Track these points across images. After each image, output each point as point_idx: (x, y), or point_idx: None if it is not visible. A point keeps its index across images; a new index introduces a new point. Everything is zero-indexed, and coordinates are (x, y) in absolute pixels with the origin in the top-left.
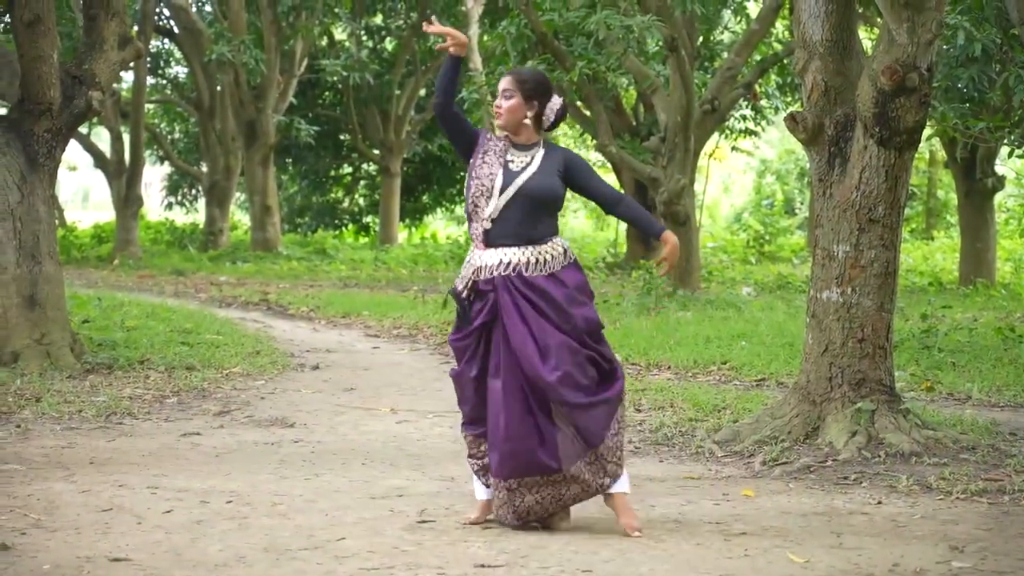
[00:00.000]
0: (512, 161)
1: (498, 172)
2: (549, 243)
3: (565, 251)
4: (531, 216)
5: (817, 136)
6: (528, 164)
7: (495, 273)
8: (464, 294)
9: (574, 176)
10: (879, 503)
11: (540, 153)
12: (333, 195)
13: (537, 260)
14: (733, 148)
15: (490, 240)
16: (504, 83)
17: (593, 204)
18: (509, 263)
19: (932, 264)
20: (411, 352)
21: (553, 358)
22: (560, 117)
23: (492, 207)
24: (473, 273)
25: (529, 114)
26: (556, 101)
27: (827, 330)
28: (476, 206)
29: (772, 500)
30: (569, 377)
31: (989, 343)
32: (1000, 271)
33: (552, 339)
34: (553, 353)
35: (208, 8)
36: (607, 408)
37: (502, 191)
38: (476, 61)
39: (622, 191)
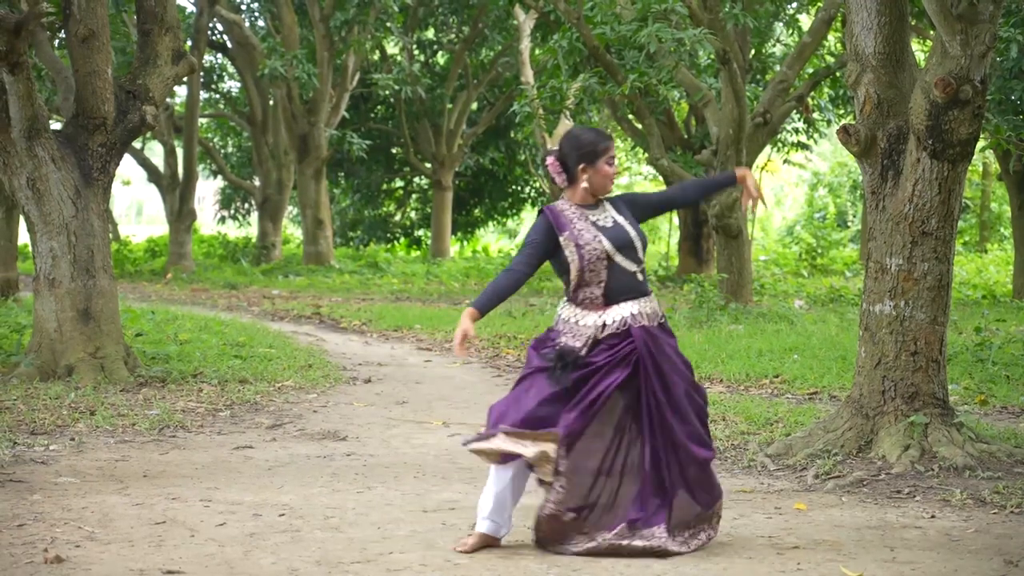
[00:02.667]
0: (597, 220)
1: (597, 233)
2: (651, 296)
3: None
4: (639, 266)
5: (870, 149)
6: (614, 218)
7: (626, 325)
8: (583, 351)
9: (640, 208)
10: (933, 517)
11: (608, 205)
12: (385, 209)
13: (653, 311)
14: (785, 161)
15: (610, 301)
16: (613, 148)
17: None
18: (639, 313)
19: (986, 277)
20: (463, 365)
21: (690, 412)
22: None
23: (638, 259)
24: (595, 331)
25: None
26: None
27: (880, 343)
28: (593, 271)
29: (825, 514)
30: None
31: None
32: None
33: (684, 390)
34: (689, 407)
35: (261, 23)
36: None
37: (624, 245)
38: (528, 75)
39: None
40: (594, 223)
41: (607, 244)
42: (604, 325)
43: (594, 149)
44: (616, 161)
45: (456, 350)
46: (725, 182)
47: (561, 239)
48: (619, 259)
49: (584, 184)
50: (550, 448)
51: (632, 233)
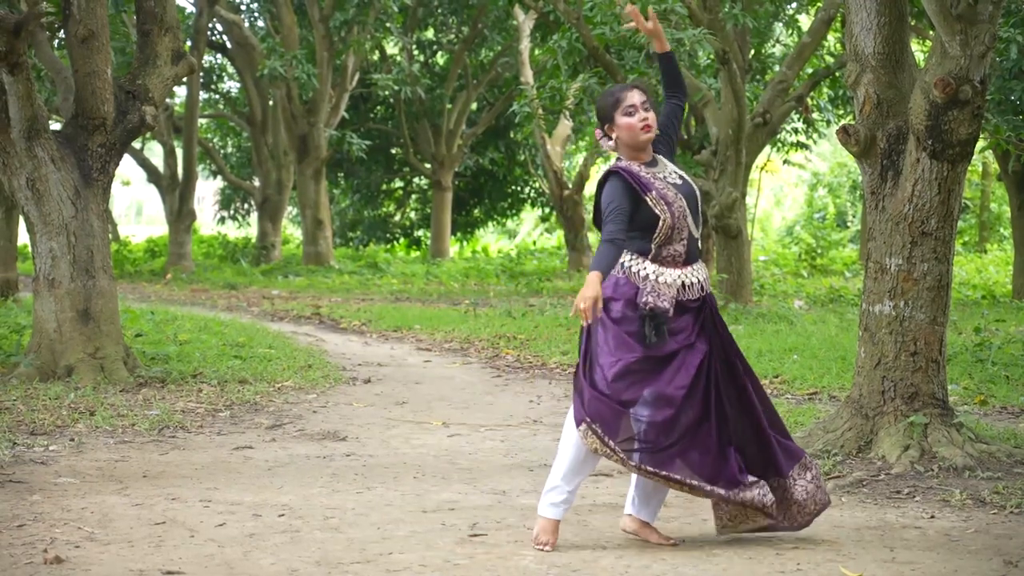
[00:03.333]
0: (667, 177)
1: (673, 192)
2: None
3: None
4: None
5: (869, 149)
6: (677, 173)
7: (704, 291)
8: (671, 312)
9: (669, 146)
10: (932, 517)
11: (664, 162)
12: (385, 209)
13: (707, 276)
14: (785, 161)
15: (690, 260)
16: (639, 96)
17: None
18: (706, 279)
19: (985, 277)
20: (462, 366)
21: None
22: None
23: (698, 222)
24: (679, 292)
25: None
26: None
27: (880, 343)
28: (676, 229)
29: (824, 514)
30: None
31: None
32: None
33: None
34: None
35: (261, 23)
36: None
37: (693, 203)
38: (527, 75)
39: None
40: (666, 179)
41: (684, 202)
42: (684, 285)
43: (606, 105)
44: (638, 108)
45: (588, 317)
46: (665, 63)
47: (648, 198)
48: (690, 219)
49: (611, 144)
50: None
51: (698, 192)
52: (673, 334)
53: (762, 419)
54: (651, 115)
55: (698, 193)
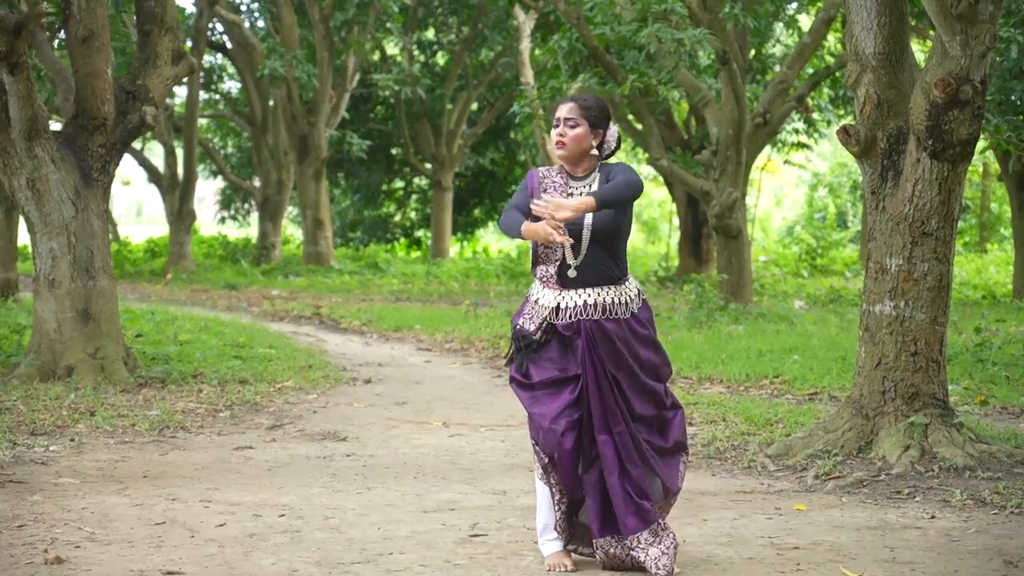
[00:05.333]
0: (573, 194)
1: None
2: (625, 283)
3: (639, 292)
4: (608, 253)
5: (870, 149)
6: (584, 193)
7: (579, 316)
8: (538, 336)
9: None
10: (933, 517)
11: (596, 179)
12: (385, 209)
13: (616, 302)
14: (785, 161)
15: (566, 283)
16: (566, 110)
17: (645, 218)
18: (593, 304)
19: (986, 277)
20: (463, 366)
21: (647, 400)
22: (617, 146)
23: (577, 255)
24: (549, 314)
25: (594, 143)
26: (613, 129)
27: (880, 343)
28: (547, 248)
29: (825, 514)
30: (654, 419)
31: None
32: None
33: (641, 380)
34: (646, 396)
35: (261, 23)
36: (680, 455)
37: (580, 231)
38: (527, 75)
39: (674, 204)
40: (568, 195)
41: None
42: (557, 310)
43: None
44: (571, 126)
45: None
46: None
47: (532, 204)
48: (566, 245)
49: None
50: None
51: (602, 217)
52: (545, 361)
53: (611, 471)
54: (575, 131)
55: (588, 221)
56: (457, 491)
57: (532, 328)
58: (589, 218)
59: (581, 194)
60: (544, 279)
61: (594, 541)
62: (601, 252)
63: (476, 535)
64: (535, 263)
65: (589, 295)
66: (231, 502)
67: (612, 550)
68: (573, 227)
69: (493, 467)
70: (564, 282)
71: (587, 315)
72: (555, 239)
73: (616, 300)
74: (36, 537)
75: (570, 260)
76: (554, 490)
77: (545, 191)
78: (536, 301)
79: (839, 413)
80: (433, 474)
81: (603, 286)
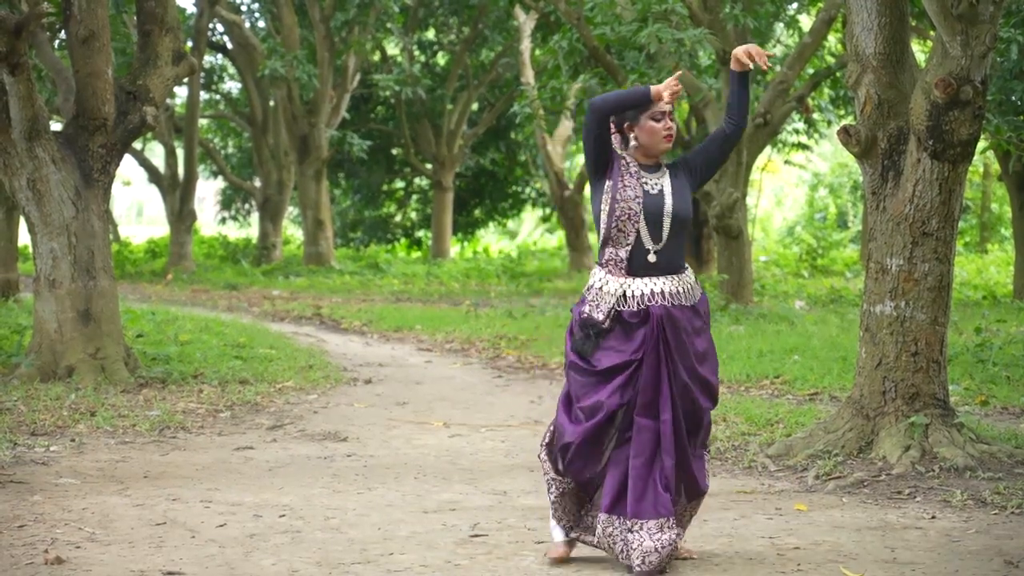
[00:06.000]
0: (647, 183)
1: (641, 196)
2: (686, 272)
3: (694, 276)
4: (680, 241)
5: (870, 149)
6: (663, 186)
7: (648, 303)
8: (606, 324)
9: (692, 165)
10: (933, 518)
11: (666, 172)
12: (385, 209)
13: (681, 290)
14: (786, 162)
15: (634, 270)
16: (668, 104)
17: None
18: (662, 292)
19: (986, 277)
20: (463, 366)
21: (702, 392)
22: None
23: (659, 241)
24: (616, 301)
25: None
26: None
27: (881, 344)
28: (620, 231)
29: (825, 515)
30: (702, 412)
31: None
32: None
33: (700, 372)
34: (701, 387)
35: (261, 24)
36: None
37: (662, 218)
38: (528, 75)
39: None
40: (643, 183)
41: (642, 209)
42: (625, 296)
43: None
44: (666, 116)
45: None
46: (737, 81)
47: (607, 181)
48: (642, 227)
49: (633, 143)
50: None
51: (680, 204)
52: (608, 348)
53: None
54: (674, 126)
55: (669, 208)
56: (458, 491)
57: (600, 316)
58: (669, 204)
59: (657, 183)
60: (611, 264)
61: (600, 515)
62: (676, 239)
63: (476, 535)
64: (604, 244)
65: (656, 283)
66: (232, 502)
67: (611, 529)
68: (653, 212)
69: (494, 467)
70: (632, 268)
71: (656, 302)
72: (675, 85)
73: (682, 288)
74: (36, 537)
75: (648, 244)
76: (556, 483)
77: (623, 175)
78: (600, 288)
79: (839, 413)
80: (434, 474)
81: (670, 274)
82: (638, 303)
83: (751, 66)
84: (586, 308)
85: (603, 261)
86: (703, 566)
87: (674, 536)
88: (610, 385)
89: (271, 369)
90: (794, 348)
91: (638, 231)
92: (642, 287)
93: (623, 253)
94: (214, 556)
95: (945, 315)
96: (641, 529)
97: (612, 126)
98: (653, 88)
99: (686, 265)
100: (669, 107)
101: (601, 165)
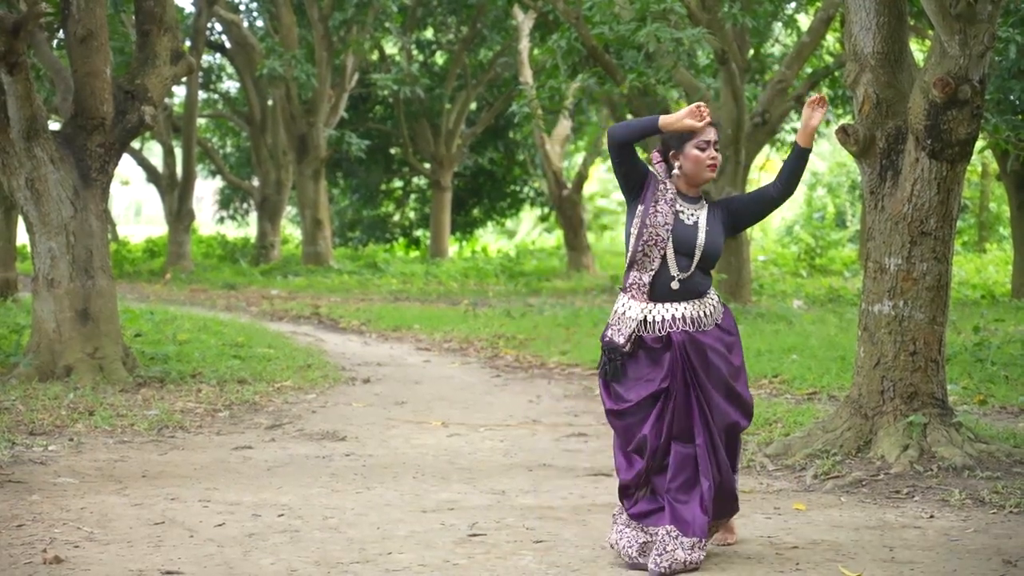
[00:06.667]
0: (682, 212)
1: (671, 223)
2: (709, 295)
3: (718, 297)
4: (707, 271)
5: (869, 149)
6: (698, 219)
7: (670, 329)
8: (627, 348)
9: (735, 211)
10: (931, 517)
11: (705, 207)
12: (384, 209)
13: (704, 314)
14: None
15: (656, 295)
16: (713, 134)
17: None
18: (683, 318)
19: (985, 277)
20: (462, 366)
21: (738, 408)
22: None
23: (687, 271)
24: (637, 326)
25: None
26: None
27: (879, 343)
28: (646, 256)
29: (824, 514)
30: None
31: None
32: None
33: (735, 390)
34: (736, 403)
35: (260, 23)
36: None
37: (693, 250)
38: (526, 75)
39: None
40: (677, 213)
41: (671, 237)
42: (646, 321)
43: (681, 133)
44: (712, 147)
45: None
46: (798, 154)
47: (641, 204)
48: (669, 255)
49: (676, 171)
50: None
51: (713, 240)
52: (637, 379)
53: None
54: (719, 156)
55: (701, 242)
56: (456, 491)
57: (621, 340)
58: (702, 238)
59: (693, 215)
60: (634, 288)
61: (622, 516)
62: (702, 271)
63: (475, 535)
64: (629, 268)
65: (678, 309)
66: (230, 502)
67: (630, 529)
68: (685, 242)
69: (492, 467)
70: (654, 294)
71: (676, 328)
72: (700, 119)
73: (703, 313)
74: (35, 537)
75: (675, 272)
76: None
77: (658, 200)
78: (624, 313)
79: (838, 413)
80: (432, 474)
81: (692, 300)
82: (659, 328)
83: (811, 144)
84: (609, 332)
85: (627, 285)
86: (702, 565)
87: (702, 559)
88: (648, 421)
89: (269, 369)
90: (792, 347)
91: (664, 257)
92: (663, 312)
93: (647, 278)
94: (212, 555)
95: (943, 314)
96: (677, 538)
97: (658, 154)
98: (661, 118)
99: (710, 289)
100: (714, 136)
101: (632, 189)
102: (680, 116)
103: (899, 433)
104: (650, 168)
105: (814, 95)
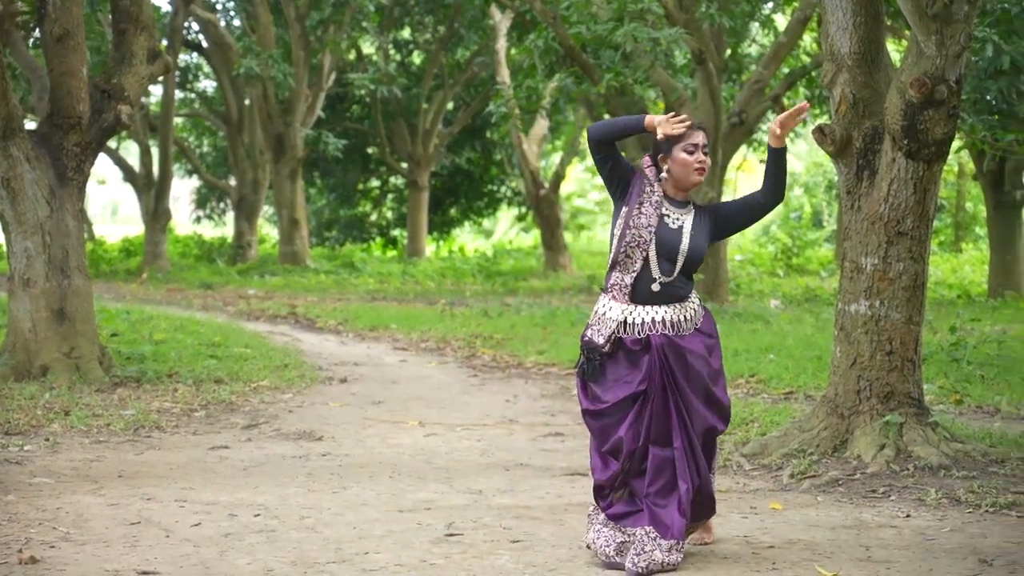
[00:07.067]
0: (668, 216)
1: (655, 226)
2: (690, 299)
3: (699, 301)
4: (689, 275)
5: (845, 149)
6: (683, 223)
7: (649, 332)
8: (606, 348)
9: (722, 218)
10: (908, 516)
11: (692, 212)
12: (361, 208)
13: (684, 318)
14: (761, 161)
15: (637, 297)
16: (702, 137)
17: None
18: (663, 321)
19: (961, 276)
20: (439, 365)
21: (715, 413)
22: None
23: (670, 275)
24: (617, 327)
25: None
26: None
27: (855, 343)
28: (628, 257)
29: (800, 514)
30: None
31: (1018, 356)
32: None
33: (715, 395)
34: (714, 408)
35: (237, 22)
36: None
37: (676, 255)
38: (504, 74)
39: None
40: (662, 215)
41: (654, 238)
42: (626, 323)
43: (668, 136)
44: (700, 150)
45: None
46: (772, 157)
47: (626, 205)
48: (652, 258)
49: (664, 174)
50: None
51: (696, 244)
52: (615, 380)
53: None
54: (708, 160)
55: (685, 248)
56: (433, 490)
57: (600, 341)
58: (686, 243)
59: (679, 219)
60: (615, 289)
61: (600, 516)
62: (685, 275)
63: (452, 535)
64: (611, 268)
65: (658, 312)
66: (206, 502)
67: (608, 528)
68: (668, 246)
69: (469, 467)
70: (635, 296)
71: (656, 331)
72: (677, 126)
73: (684, 317)
74: (11, 537)
75: (656, 274)
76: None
77: (643, 202)
78: (604, 314)
79: (814, 412)
80: (409, 473)
81: (673, 303)
82: (639, 331)
83: (785, 142)
84: (588, 332)
85: (608, 286)
86: (679, 565)
87: (679, 560)
88: (624, 423)
89: (246, 368)
90: (769, 347)
91: (646, 258)
92: (643, 315)
93: (628, 279)
94: (189, 555)
95: (920, 314)
96: (655, 539)
97: (648, 158)
98: (647, 117)
99: (692, 292)
100: (702, 140)
101: (616, 189)
102: (665, 118)
103: (875, 433)
104: (636, 168)
105: (800, 102)
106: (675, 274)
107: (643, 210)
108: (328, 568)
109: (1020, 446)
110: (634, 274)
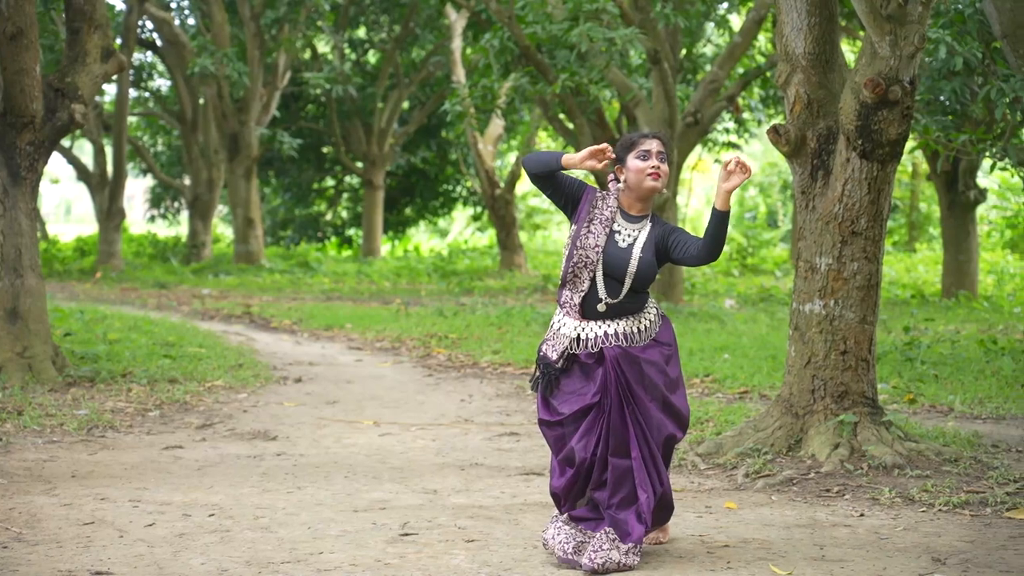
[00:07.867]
0: (619, 233)
1: (602, 245)
2: (645, 310)
3: (657, 313)
4: (638, 294)
5: (800, 149)
6: (636, 240)
7: (601, 345)
8: (560, 364)
9: (663, 253)
10: (861, 515)
11: (648, 227)
12: (316, 208)
13: (638, 330)
14: (716, 161)
15: (588, 314)
16: (658, 145)
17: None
18: (615, 334)
19: (915, 276)
20: (394, 365)
21: (673, 420)
22: None
23: (616, 296)
24: (570, 344)
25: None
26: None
27: (810, 342)
28: (576, 276)
29: (755, 512)
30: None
31: (971, 355)
32: (982, 283)
33: (672, 405)
34: (672, 416)
35: (191, 21)
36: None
37: (624, 276)
38: (459, 74)
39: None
40: (612, 232)
41: (601, 259)
42: (579, 340)
43: (622, 146)
44: (654, 156)
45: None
46: (716, 219)
47: (574, 224)
48: (598, 278)
49: (621, 184)
50: None
51: (645, 263)
52: (569, 393)
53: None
54: (664, 167)
55: (633, 269)
56: (388, 490)
57: (554, 356)
58: (634, 264)
59: (630, 236)
60: (567, 305)
61: (569, 512)
62: (632, 294)
63: (407, 534)
64: (562, 286)
65: (610, 326)
66: (160, 502)
67: (569, 527)
68: (616, 267)
69: (424, 466)
70: (586, 312)
71: (609, 343)
72: (601, 160)
73: (639, 328)
74: None
75: (602, 294)
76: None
77: (592, 220)
78: (558, 330)
79: (769, 412)
80: (364, 473)
81: (625, 317)
82: (592, 345)
83: (729, 206)
84: (544, 348)
85: (561, 302)
86: (635, 567)
87: (636, 563)
88: (577, 433)
89: (200, 368)
90: (724, 347)
91: (593, 279)
92: (596, 330)
93: (577, 298)
94: (143, 556)
95: (874, 314)
96: (615, 541)
97: (612, 173)
98: (564, 157)
99: (647, 304)
100: (656, 147)
101: (566, 209)
102: (583, 156)
103: (830, 432)
104: (584, 185)
105: (732, 157)
106: (622, 295)
107: (591, 228)
108: (283, 568)
109: (973, 445)
110: (582, 293)
